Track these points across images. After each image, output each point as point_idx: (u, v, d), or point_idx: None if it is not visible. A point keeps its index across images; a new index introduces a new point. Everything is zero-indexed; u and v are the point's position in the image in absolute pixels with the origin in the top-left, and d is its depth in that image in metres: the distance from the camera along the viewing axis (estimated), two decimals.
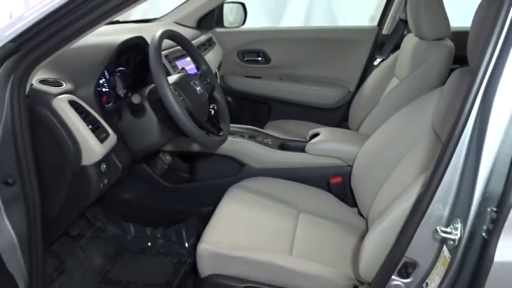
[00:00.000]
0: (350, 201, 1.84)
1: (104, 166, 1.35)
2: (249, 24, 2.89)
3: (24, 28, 1.05)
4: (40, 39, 1.07)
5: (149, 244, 2.04)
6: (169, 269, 1.88)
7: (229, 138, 1.82)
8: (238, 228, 1.51)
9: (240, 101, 2.96)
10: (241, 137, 1.95)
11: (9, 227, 1.16)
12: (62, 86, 1.30)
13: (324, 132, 2.03)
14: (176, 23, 2.61)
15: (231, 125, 1.75)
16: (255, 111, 3.02)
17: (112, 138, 1.36)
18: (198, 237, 1.50)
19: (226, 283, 1.35)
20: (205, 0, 2.60)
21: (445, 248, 0.91)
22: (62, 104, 1.24)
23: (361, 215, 1.71)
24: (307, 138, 2.05)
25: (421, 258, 0.95)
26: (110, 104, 1.51)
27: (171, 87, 1.34)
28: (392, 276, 0.99)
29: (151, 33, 1.44)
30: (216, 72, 2.64)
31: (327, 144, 1.95)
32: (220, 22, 2.82)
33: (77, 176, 1.29)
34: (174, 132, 1.51)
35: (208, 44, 2.58)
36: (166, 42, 1.54)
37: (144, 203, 2.06)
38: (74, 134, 1.24)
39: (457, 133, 0.86)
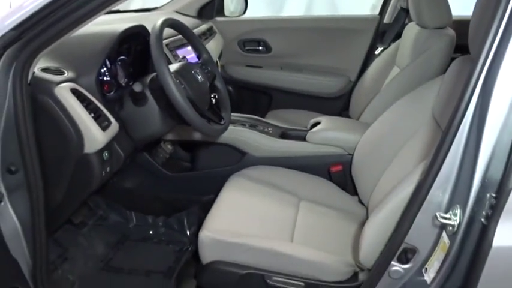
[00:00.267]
0: (350, 189, 1.85)
1: (106, 154, 1.35)
2: (249, 14, 2.88)
3: (25, 16, 1.05)
4: (41, 27, 1.07)
5: (151, 232, 2.05)
6: (171, 257, 1.90)
7: (230, 127, 1.82)
8: (240, 216, 1.52)
9: (241, 90, 2.96)
10: (242, 126, 1.96)
11: (13, 214, 1.18)
12: (63, 74, 1.30)
13: (325, 121, 2.03)
14: (177, 12, 2.60)
15: (232, 114, 1.76)
16: (255, 100, 3.02)
17: (114, 126, 1.37)
18: (199, 225, 1.51)
19: (228, 270, 1.37)
20: None
21: (444, 234, 0.92)
22: (64, 92, 1.24)
23: (361, 203, 1.72)
24: (308, 127, 2.05)
25: (420, 244, 0.97)
26: (112, 93, 1.51)
27: (173, 75, 1.34)
28: (392, 262, 1.00)
29: (152, 22, 1.44)
30: (216, 62, 2.64)
31: (327, 133, 1.95)
32: (221, 11, 2.81)
33: (80, 164, 1.30)
34: (175, 120, 1.52)
35: (209, 33, 2.58)
36: (167, 31, 1.54)
37: (146, 192, 2.08)
38: (76, 122, 1.25)
39: (457, 120, 0.87)
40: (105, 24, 1.62)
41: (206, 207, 1.60)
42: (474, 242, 0.87)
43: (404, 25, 2.51)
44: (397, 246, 0.98)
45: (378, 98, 2.23)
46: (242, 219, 1.50)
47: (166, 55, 1.79)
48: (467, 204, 0.87)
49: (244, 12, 2.86)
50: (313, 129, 1.97)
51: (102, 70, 1.48)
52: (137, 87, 1.40)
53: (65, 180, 1.32)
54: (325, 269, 1.34)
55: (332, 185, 1.85)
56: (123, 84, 1.58)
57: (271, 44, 2.83)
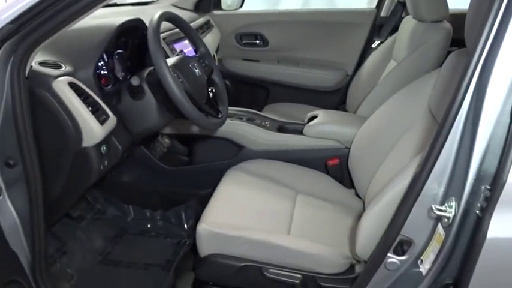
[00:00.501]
0: (347, 182, 1.86)
1: (104, 148, 1.36)
2: (246, 7, 2.88)
3: (23, 10, 1.05)
4: (39, 21, 1.07)
5: (149, 226, 2.06)
6: (169, 250, 1.91)
7: (228, 120, 1.83)
8: (237, 209, 1.53)
9: (238, 84, 2.96)
10: (239, 119, 1.96)
11: (12, 208, 1.18)
12: (61, 68, 1.30)
13: (322, 114, 2.04)
14: (174, 5, 2.59)
15: (229, 107, 1.76)
16: (253, 94, 3.03)
17: (112, 120, 1.37)
18: (197, 219, 1.52)
19: (226, 262, 1.38)
20: None
21: (439, 226, 0.93)
22: (61, 86, 1.24)
23: (358, 196, 1.73)
24: (305, 120, 2.06)
25: (416, 236, 0.98)
26: (109, 87, 1.51)
27: (170, 69, 1.34)
28: (388, 254, 1.01)
29: (149, 16, 1.44)
30: (214, 55, 2.64)
31: (324, 127, 1.96)
32: (218, 5, 2.81)
33: (78, 158, 1.30)
34: (173, 114, 1.52)
35: (206, 26, 2.57)
36: (165, 24, 1.54)
37: (144, 186, 2.08)
38: (74, 115, 1.25)
39: (453, 113, 0.88)
40: (103, 18, 1.61)
41: (204, 201, 1.60)
42: (469, 234, 0.88)
43: (401, 18, 2.51)
44: (393, 239, 0.99)
45: (374, 91, 2.23)
46: (239, 212, 1.51)
47: (163, 49, 1.79)
48: (462, 196, 0.88)
49: (241, 6, 2.86)
50: (310, 123, 1.97)
51: (100, 64, 1.48)
52: (135, 80, 1.41)
53: (63, 174, 1.33)
54: (322, 261, 1.35)
55: (329, 178, 1.86)
56: (121, 78, 1.59)
57: (268, 37, 2.83)
